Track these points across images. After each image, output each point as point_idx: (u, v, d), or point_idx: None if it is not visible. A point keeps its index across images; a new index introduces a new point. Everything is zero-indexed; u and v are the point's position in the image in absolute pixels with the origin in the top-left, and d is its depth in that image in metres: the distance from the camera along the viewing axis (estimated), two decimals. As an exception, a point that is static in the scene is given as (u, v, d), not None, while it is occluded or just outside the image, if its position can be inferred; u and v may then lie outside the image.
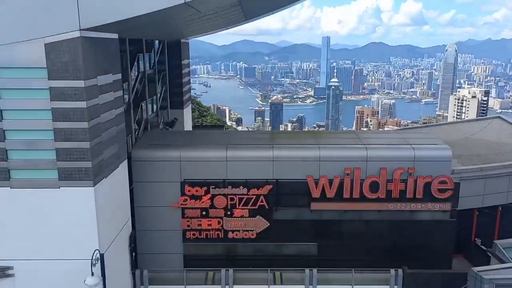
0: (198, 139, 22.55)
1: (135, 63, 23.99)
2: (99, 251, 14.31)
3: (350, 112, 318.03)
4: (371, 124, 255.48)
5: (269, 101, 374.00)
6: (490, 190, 21.74)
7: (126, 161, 17.85)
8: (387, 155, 20.04)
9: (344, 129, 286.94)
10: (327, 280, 19.49)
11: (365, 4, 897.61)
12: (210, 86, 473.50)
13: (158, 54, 29.18)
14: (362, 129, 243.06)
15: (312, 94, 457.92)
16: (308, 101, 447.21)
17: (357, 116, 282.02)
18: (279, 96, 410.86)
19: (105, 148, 15.33)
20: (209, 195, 19.87)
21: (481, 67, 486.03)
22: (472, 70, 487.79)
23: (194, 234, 20.18)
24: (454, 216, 20.13)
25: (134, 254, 18.99)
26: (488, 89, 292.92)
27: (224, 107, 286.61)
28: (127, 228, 18.11)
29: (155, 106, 28.46)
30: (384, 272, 19.43)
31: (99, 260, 14.15)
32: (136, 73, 24.48)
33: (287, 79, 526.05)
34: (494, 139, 27.48)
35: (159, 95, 29.22)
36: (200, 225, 20.11)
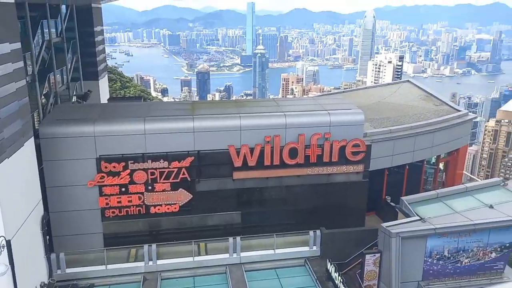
0: (114, 112, 21.49)
1: (39, 31, 21.97)
2: (4, 237, 13.32)
3: (276, 80, 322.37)
4: (296, 91, 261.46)
5: (196, 70, 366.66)
6: (399, 150, 23.38)
7: (32, 139, 16.53)
8: (304, 122, 20.64)
9: (271, 96, 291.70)
10: (251, 247, 20.03)
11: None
12: (132, 55, 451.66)
13: (66, 20, 26.98)
14: (287, 96, 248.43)
15: (239, 62, 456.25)
16: (235, 69, 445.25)
17: (283, 84, 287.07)
18: (205, 64, 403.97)
19: (5, 126, 14.02)
20: (128, 171, 19.22)
21: (396, 33, 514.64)
22: (388, 36, 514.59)
23: (113, 212, 19.53)
24: (367, 176, 21.50)
25: (48, 237, 17.97)
26: (402, 54, 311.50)
27: (148, 77, 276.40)
28: (38, 210, 17.00)
29: (65, 78, 26.55)
30: (304, 234, 20.38)
31: (5, 247, 13.20)
32: (41, 41, 22.48)
33: (213, 47, 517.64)
34: (403, 102, 29.36)
35: (69, 65, 27.25)
36: (120, 202, 19.48)
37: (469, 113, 26.80)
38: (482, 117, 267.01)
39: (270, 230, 20.51)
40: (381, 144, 22.43)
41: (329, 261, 18.70)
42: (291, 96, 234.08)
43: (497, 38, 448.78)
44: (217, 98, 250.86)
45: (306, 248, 20.34)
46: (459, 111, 26.70)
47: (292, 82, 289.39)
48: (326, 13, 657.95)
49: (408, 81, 34.03)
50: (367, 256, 18.25)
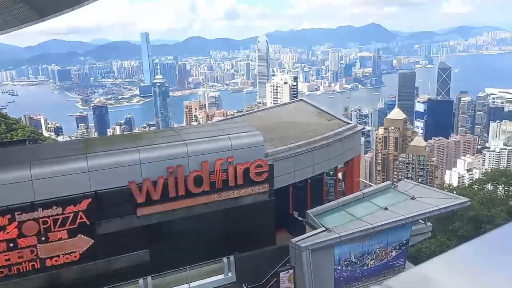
0: (-7, 160, 19.26)
1: None
2: None
3: (179, 108, 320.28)
4: (200, 118, 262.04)
5: (92, 104, 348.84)
6: (300, 166, 24.36)
7: None
8: (206, 148, 20.56)
9: (175, 125, 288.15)
10: (163, 285, 19.12)
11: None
12: (17, 95, 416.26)
13: None
14: (192, 123, 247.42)
15: (138, 93, 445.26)
16: (134, 100, 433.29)
17: (186, 111, 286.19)
18: (102, 98, 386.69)
19: None
20: (15, 223, 17.23)
21: (289, 56, 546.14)
22: (282, 59, 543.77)
23: (2, 272, 17.28)
24: (272, 195, 21.98)
25: None
26: (296, 75, 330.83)
27: (38, 117, 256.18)
28: None
29: None
30: (218, 261, 20.05)
31: None
32: None
33: (109, 80, 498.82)
34: (299, 120, 30.85)
35: None
36: (8, 260, 17.31)
37: (358, 125, 29.07)
38: (372, 126, 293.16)
39: (183, 264, 19.81)
40: (282, 162, 23.17)
41: (245, 285, 18.57)
42: (195, 123, 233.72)
43: (376, 54, 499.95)
44: (118, 132, 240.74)
45: (221, 276, 20.00)
46: (349, 123, 28.80)
47: (195, 109, 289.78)
48: (221, 40, 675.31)
49: (301, 100, 35.97)
50: (281, 274, 18.51)
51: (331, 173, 28.87)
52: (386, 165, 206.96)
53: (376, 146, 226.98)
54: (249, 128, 23.18)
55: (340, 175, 29.84)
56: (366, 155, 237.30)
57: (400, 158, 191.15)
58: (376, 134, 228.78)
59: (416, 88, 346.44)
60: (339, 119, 30.40)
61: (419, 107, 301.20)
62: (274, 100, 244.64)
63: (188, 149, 20.11)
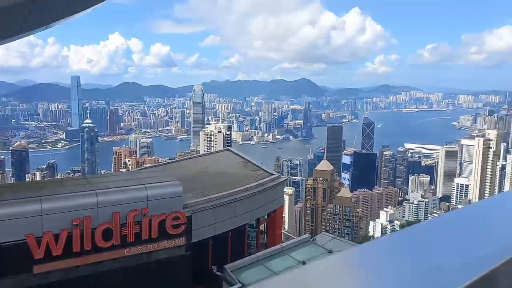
0: None
1: None
2: None
3: (108, 154, 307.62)
4: (129, 164, 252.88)
5: (11, 148, 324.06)
6: (221, 218, 23.69)
7: None
8: (119, 199, 19.31)
9: (103, 172, 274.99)
10: None
11: (115, 44, 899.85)
12: None
13: None
14: (121, 170, 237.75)
15: (64, 137, 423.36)
16: (59, 145, 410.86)
17: (115, 158, 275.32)
18: (23, 141, 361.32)
19: None
20: None
21: (224, 105, 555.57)
22: (217, 108, 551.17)
23: None
24: (189, 249, 20.91)
25: None
26: (230, 124, 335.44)
27: None
28: None
29: None
30: (124, 324, 18.28)
31: None
32: None
33: (33, 122, 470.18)
34: (224, 170, 30.54)
35: None
36: None
37: (281, 176, 29.32)
38: (302, 177, 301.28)
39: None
40: (202, 213, 22.41)
41: None
42: (124, 170, 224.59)
43: (307, 108, 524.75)
44: (38, 178, 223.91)
45: None
46: (272, 174, 28.98)
47: (125, 155, 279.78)
48: (157, 86, 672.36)
49: (228, 149, 35.89)
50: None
51: (254, 224, 28.47)
52: (315, 215, 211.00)
53: (305, 196, 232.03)
54: (168, 177, 22.33)
55: (263, 226, 29.51)
56: (296, 205, 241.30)
57: (328, 209, 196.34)
58: (306, 184, 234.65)
59: (343, 141, 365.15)
60: (264, 169, 30.54)
61: (346, 159, 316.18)
62: (207, 148, 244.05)
63: (98, 199, 18.72)
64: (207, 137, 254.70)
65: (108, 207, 18.82)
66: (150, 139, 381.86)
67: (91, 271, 18.58)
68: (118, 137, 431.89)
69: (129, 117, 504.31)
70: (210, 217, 22.97)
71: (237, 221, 24.82)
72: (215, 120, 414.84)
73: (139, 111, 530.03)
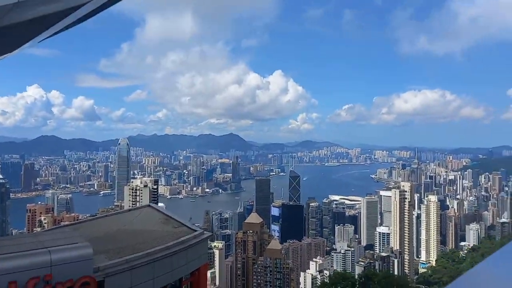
0: None
1: None
2: None
3: (21, 212, 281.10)
4: (45, 223, 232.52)
5: None
6: (138, 280, 21.72)
7: None
8: (16, 265, 16.89)
9: (14, 231, 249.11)
10: None
11: (34, 97, 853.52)
12: None
13: None
14: (35, 229, 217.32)
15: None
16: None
17: (29, 215, 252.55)
18: None
19: None
20: None
21: (151, 159, 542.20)
22: (144, 162, 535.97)
23: None
24: (100, 319, 18.68)
25: None
26: (157, 178, 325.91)
27: None
28: None
29: None
30: None
31: None
32: None
33: None
34: (143, 228, 28.66)
35: None
36: None
37: (204, 232, 28.08)
38: (232, 230, 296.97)
39: None
40: (117, 276, 20.39)
41: None
42: (39, 229, 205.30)
43: (235, 161, 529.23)
44: None
45: None
46: (195, 231, 27.69)
47: (41, 212, 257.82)
48: (78, 140, 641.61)
49: (149, 205, 34.11)
50: None
51: (177, 285, 26.56)
52: (246, 269, 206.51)
53: (236, 250, 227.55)
54: (76, 239, 20.23)
55: (186, 287, 27.64)
56: (227, 259, 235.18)
57: (259, 262, 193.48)
58: (236, 238, 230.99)
59: (272, 194, 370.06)
60: (186, 226, 29.15)
61: (275, 211, 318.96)
62: (133, 204, 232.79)
63: (-11, 267, 16.23)
64: (133, 192, 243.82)
65: (2, 275, 16.35)
66: (70, 195, 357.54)
67: None
68: (34, 193, 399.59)
69: (46, 172, 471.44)
70: (126, 280, 20.94)
71: (158, 282, 22.94)
72: (141, 174, 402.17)
73: (58, 166, 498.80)
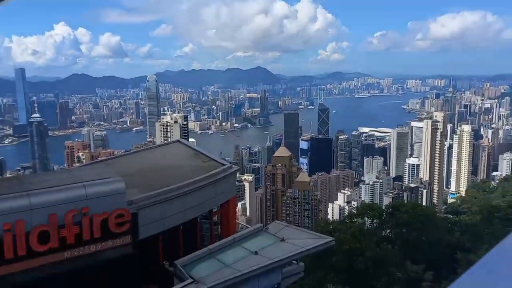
0: None
1: None
2: None
3: (60, 148, 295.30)
4: (83, 159, 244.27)
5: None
6: (170, 212, 22.72)
7: None
8: (55, 199, 17.90)
9: (56, 167, 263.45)
10: None
11: (62, 35, 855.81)
12: None
13: None
14: (74, 165, 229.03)
15: (11, 133, 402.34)
16: (6, 141, 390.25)
17: (67, 152, 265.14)
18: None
19: None
20: None
21: (180, 95, 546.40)
22: (173, 98, 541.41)
23: None
24: (136, 247, 19.92)
25: None
26: (187, 114, 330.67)
27: None
28: None
29: None
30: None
31: None
32: None
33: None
34: (173, 163, 29.44)
35: None
36: None
37: (233, 166, 28.61)
38: (262, 163, 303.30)
39: None
40: (149, 209, 21.36)
41: None
42: (77, 165, 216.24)
43: (263, 96, 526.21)
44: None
45: None
46: (224, 165, 28.24)
47: (78, 149, 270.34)
48: (108, 77, 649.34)
49: (178, 141, 34.76)
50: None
51: (207, 216, 27.73)
52: (275, 200, 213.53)
53: (265, 182, 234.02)
54: (109, 173, 21.07)
55: (216, 218, 28.84)
56: (257, 192, 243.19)
57: (288, 194, 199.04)
58: (265, 171, 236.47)
59: (300, 127, 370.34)
60: (215, 160, 29.70)
61: (303, 145, 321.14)
62: (164, 139, 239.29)
63: (30, 201, 17.27)
64: (164, 128, 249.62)
65: (43, 208, 17.42)
66: (104, 132, 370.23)
67: (29, 278, 17.21)
68: (70, 131, 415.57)
69: (80, 110, 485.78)
70: (158, 212, 21.96)
71: (188, 214, 23.95)
72: (171, 111, 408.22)
73: (91, 104, 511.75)
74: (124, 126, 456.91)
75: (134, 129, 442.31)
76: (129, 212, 19.51)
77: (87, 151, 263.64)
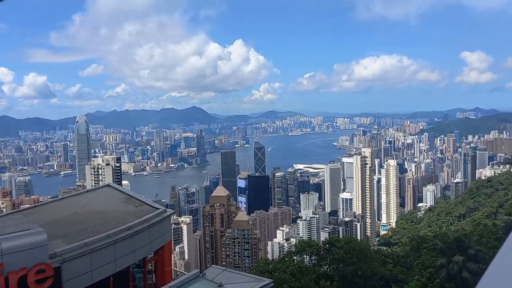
0: None
1: None
2: None
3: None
4: (4, 207, 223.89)
5: None
6: (99, 263, 21.14)
7: None
8: (-37, 257, 15.94)
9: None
10: None
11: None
12: None
13: None
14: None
15: None
16: None
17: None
18: None
19: None
20: None
21: (112, 136, 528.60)
22: (104, 139, 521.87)
23: None
24: (59, 305, 18.11)
25: None
26: (120, 155, 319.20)
27: None
28: None
29: None
30: None
31: None
32: None
33: None
34: (103, 209, 27.83)
35: None
36: None
37: (167, 210, 27.62)
38: (200, 204, 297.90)
39: None
40: (75, 261, 19.69)
41: None
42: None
43: (199, 135, 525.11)
44: None
45: None
46: (157, 208, 27.16)
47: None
48: (33, 119, 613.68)
49: (108, 185, 33.11)
50: None
51: (141, 264, 26.19)
52: (215, 241, 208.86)
53: (203, 223, 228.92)
54: (29, 225, 19.30)
55: (151, 266, 27.31)
56: (196, 234, 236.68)
57: (227, 234, 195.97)
58: (203, 211, 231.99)
59: (237, 166, 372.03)
60: (148, 204, 28.53)
61: (241, 183, 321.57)
62: (95, 183, 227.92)
63: None
64: (95, 171, 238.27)
65: None
66: (28, 177, 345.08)
67: None
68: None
69: (1, 154, 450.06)
70: (85, 264, 20.30)
71: (119, 264, 22.40)
72: (102, 153, 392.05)
73: (13, 147, 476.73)
74: (51, 170, 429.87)
75: (62, 173, 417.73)
76: (51, 267, 17.81)
77: (8, 198, 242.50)
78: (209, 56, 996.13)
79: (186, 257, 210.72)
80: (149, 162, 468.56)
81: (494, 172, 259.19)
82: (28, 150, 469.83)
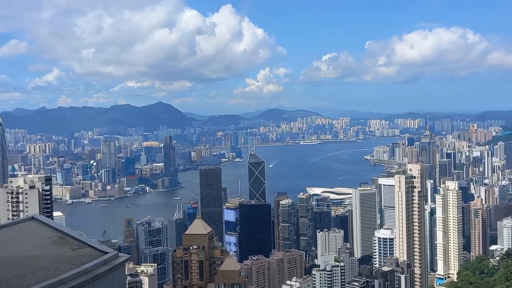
0: None
1: None
2: None
3: None
4: None
5: None
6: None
7: None
8: None
9: None
10: None
11: None
12: None
13: None
14: None
15: None
16: None
17: None
18: None
19: None
20: None
21: (39, 146, 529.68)
22: (28, 150, 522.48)
23: None
24: None
25: None
26: (50, 174, 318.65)
27: None
28: None
29: None
30: None
31: None
32: None
33: None
34: (25, 252, 27.72)
35: None
36: None
37: (120, 255, 27.46)
38: (169, 246, 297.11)
39: None
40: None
41: None
42: None
43: (168, 144, 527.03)
44: None
45: None
46: (105, 253, 27.04)
47: None
48: None
49: (33, 218, 33.00)
50: None
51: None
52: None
53: (174, 275, 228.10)
54: None
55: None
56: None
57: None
58: (174, 257, 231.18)
59: (224, 190, 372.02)
60: (91, 246, 28.43)
61: (230, 216, 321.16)
62: (13, 214, 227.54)
63: None
64: (13, 197, 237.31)
65: None
66: None
67: None
68: None
69: None
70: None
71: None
72: (25, 170, 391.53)
73: None
74: None
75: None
76: None
77: None
78: (183, 29, 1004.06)
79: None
80: (93, 184, 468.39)
81: None
82: None
